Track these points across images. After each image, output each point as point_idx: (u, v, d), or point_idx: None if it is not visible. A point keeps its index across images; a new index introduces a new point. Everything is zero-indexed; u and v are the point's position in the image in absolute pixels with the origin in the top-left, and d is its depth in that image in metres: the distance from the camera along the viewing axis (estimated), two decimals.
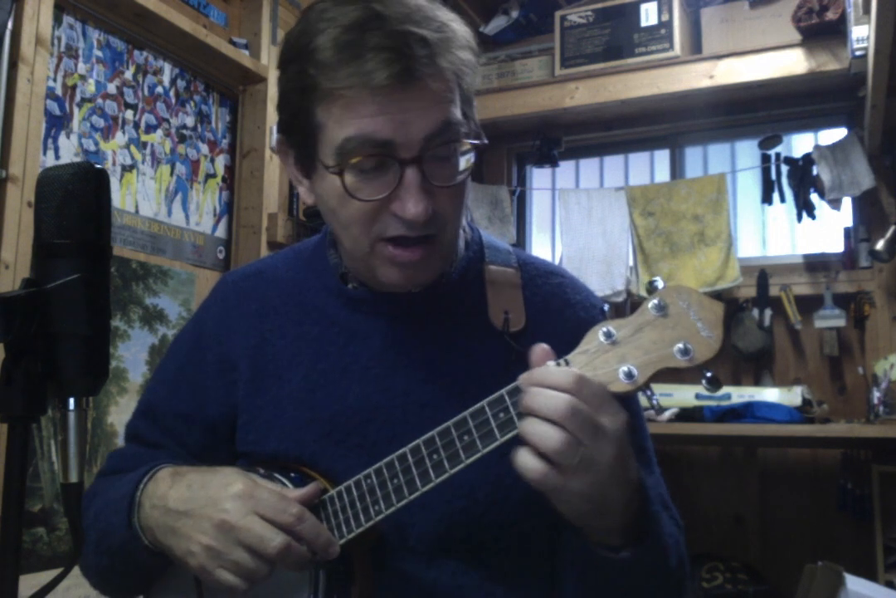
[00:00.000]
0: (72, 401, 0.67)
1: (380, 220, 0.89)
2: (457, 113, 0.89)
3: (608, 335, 0.80)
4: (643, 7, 3.45)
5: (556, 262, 3.65)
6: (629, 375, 0.78)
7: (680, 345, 0.77)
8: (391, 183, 0.86)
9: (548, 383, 0.75)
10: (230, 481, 0.89)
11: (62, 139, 2.38)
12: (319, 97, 0.87)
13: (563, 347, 0.81)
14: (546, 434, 0.73)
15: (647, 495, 0.83)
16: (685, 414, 2.98)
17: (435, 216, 0.89)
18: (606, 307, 1.06)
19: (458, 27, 0.91)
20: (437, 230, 0.91)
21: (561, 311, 1.03)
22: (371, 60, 0.82)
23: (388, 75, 0.82)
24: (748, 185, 3.64)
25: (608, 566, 0.83)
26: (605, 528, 0.81)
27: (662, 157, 3.86)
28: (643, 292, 3.33)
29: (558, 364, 0.80)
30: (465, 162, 0.91)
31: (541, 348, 0.80)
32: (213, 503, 0.87)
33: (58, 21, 2.37)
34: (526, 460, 0.75)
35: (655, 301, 0.80)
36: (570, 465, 0.73)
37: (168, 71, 2.80)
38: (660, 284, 0.81)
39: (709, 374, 0.79)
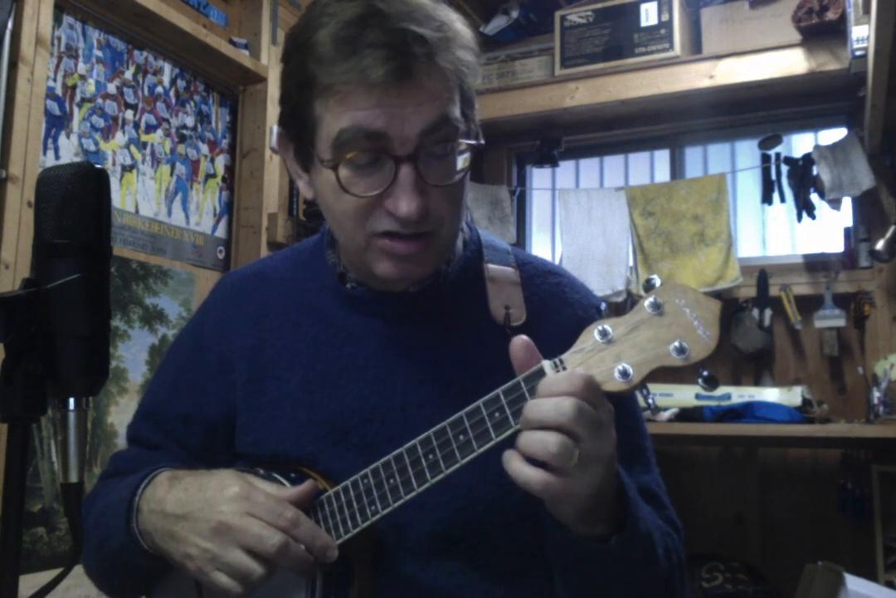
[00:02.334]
0: (72, 401, 0.67)
1: (374, 215, 0.89)
2: (455, 111, 0.89)
3: (604, 334, 0.79)
4: (643, 7, 3.45)
5: (557, 262, 3.65)
6: (624, 374, 0.77)
7: (676, 344, 0.76)
8: (386, 180, 0.86)
9: (558, 390, 0.74)
10: (227, 484, 0.89)
11: (62, 139, 2.38)
12: (318, 91, 0.87)
13: (562, 346, 0.81)
14: (545, 441, 0.73)
15: (622, 481, 0.83)
16: (685, 414, 2.98)
17: (430, 215, 0.88)
18: (603, 306, 1.05)
19: (461, 28, 0.91)
20: (432, 227, 0.90)
21: (560, 310, 1.02)
22: (368, 56, 0.82)
23: (384, 72, 0.82)
24: (748, 185, 3.64)
25: (594, 556, 0.82)
26: (595, 520, 0.81)
27: (662, 157, 3.85)
28: (643, 292, 3.33)
29: (555, 365, 0.80)
30: (462, 162, 0.90)
31: (520, 340, 0.79)
32: (210, 506, 0.87)
33: (58, 21, 2.37)
34: (524, 472, 0.74)
35: (651, 299, 0.79)
36: (569, 467, 0.73)
37: (168, 71, 2.80)
38: (657, 282, 0.80)
39: (705, 373, 0.78)
